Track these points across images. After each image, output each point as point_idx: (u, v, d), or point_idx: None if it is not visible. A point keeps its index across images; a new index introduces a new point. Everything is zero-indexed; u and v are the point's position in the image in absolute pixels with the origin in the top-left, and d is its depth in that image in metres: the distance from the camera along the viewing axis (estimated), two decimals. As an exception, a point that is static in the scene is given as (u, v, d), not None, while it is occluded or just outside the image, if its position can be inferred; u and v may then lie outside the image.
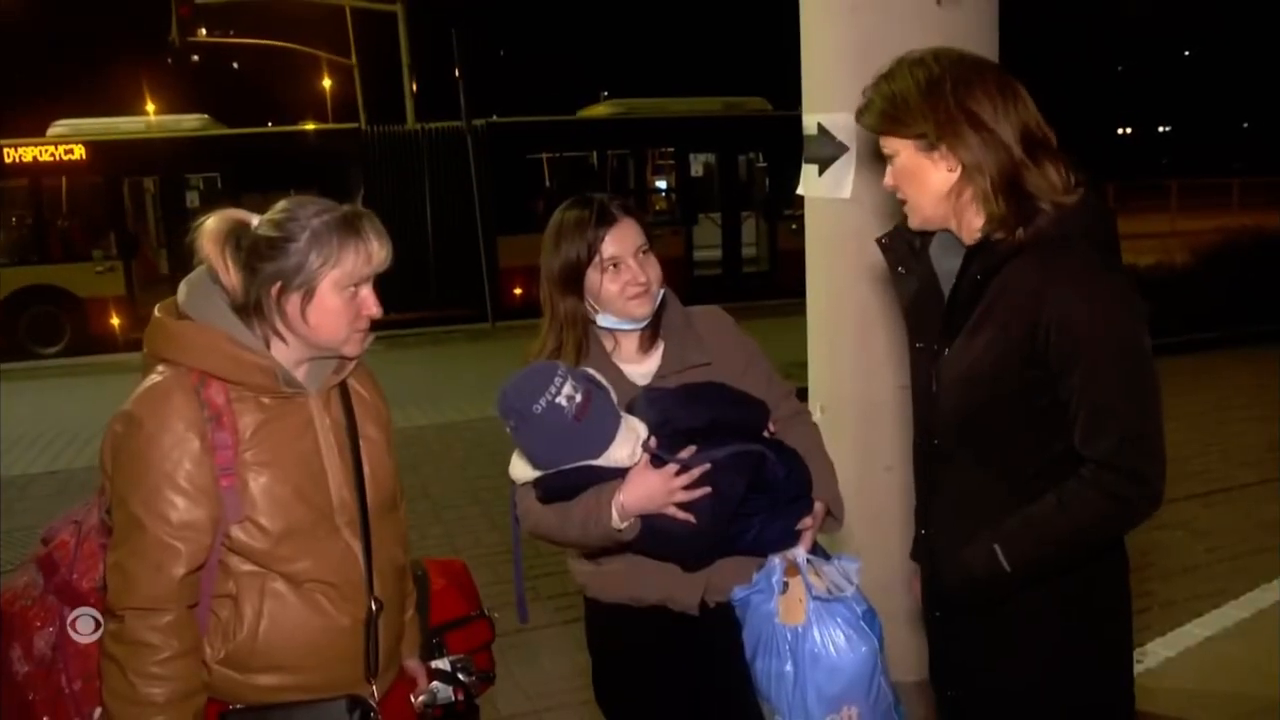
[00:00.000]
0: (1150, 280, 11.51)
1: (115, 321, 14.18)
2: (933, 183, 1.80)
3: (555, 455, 1.92)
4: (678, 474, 1.92)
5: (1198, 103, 43.56)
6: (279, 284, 1.75)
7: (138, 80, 28.32)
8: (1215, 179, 24.61)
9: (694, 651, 2.18)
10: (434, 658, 2.26)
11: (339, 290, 1.78)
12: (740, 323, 2.28)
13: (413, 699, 2.12)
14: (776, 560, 2.05)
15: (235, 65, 39.96)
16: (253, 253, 1.76)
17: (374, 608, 1.90)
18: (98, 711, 1.79)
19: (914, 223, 1.89)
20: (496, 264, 14.75)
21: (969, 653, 1.92)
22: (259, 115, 23.65)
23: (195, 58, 31.22)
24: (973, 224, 1.80)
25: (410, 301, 15.08)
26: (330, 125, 18.69)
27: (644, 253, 2.10)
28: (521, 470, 2.00)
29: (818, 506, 2.10)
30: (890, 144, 1.84)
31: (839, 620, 2.00)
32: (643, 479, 1.92)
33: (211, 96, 27.56)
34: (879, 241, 2.06)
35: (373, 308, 1.83)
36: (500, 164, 15.10)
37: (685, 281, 15.51)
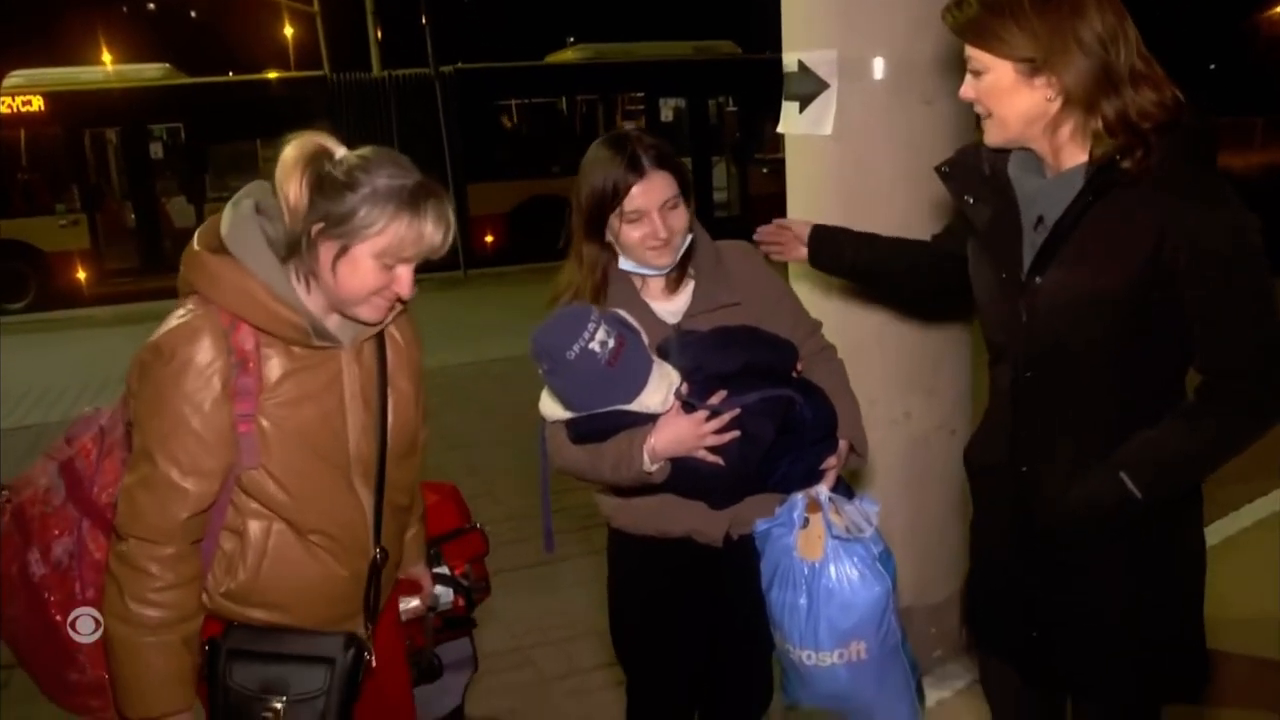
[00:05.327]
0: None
1: (81, 275, 14.04)
2: (1026, 106, 1.72)
3: (588, 400, 1.92)
4: (708, 419, 1.93)
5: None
6: (321, 225, 1.70)
7: (93, 29, 27.67)
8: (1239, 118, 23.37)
9: (714, 580, 2.24)
10: (433, 567, 2.33)
11: (376, 258, 1.71)
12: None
13: (415, 603, 2.18)
14: (799, 496, 2.08)
15: (193, 14, 39.07)
16: (316, 187, 1.70)
17: (379, 558, 1.93)
18: None
19: (995, 139, 1.79)
20: (467, 212, 14.66)
21: (1057, 592, 1.89)
22: (219, 65, 23.19)
23: (151, 5, 30.48)
24: (1075, 154, 1.74)
25: (381, 251, 15.01)
26: (296, 73, 18.36)
27: (671, 207, 2.04)
28: (552, 409, 2.00)
29: (841, 445, 2.12)
30: (983, 59, 1.72)
31: (855, 559, 2.03)
32: (673, 424, 1.94)
33: (170, 46, 26.94)
34: (939, 170, 1.99)
35: (405, 289, 1.76)
36: (469, 111, 14.97)
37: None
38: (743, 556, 2.16)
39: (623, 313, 1.96)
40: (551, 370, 1.89)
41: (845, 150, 2.99)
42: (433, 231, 1.73)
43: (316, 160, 1.71)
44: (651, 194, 2.01)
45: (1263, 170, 13.66)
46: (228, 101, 14.65)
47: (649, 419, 1.94)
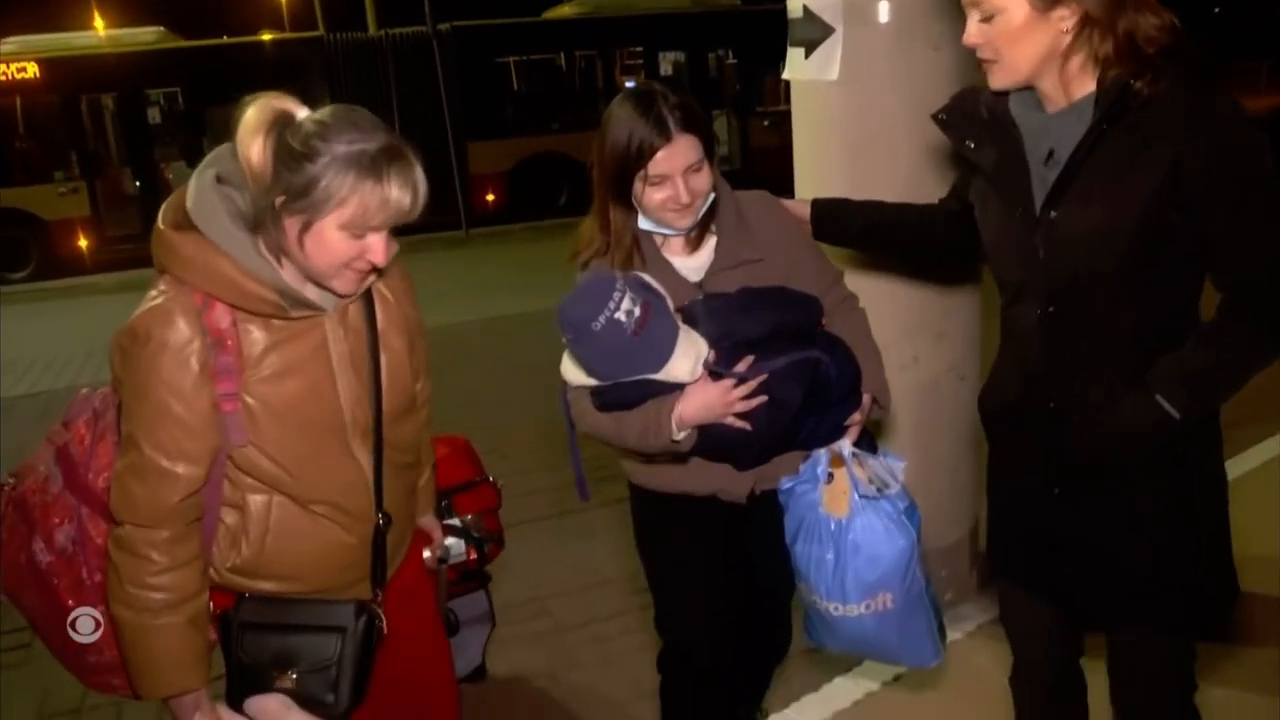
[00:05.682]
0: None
1: (82, 243, 13.99)
2: (1038, 43, 1.70)
3: (614, 369, 1.89)
4: (736, 386, 1.91)
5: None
6: (284, 199, 1.63)
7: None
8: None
9: (737, 534, 2.26)
10: (444, 519, 2.30)
11: (342, 230, 1.64)
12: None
13: (426, 554, 2.15)
14: (822, 452, 2.08)
15: (184, -25, 38.66)
16: (277, 157, 1.62)
17: (381, 522, 1.90)
18: None
19: (1000, 83, 1.78)
20: (468, 171, 14.62)
21: (1092, 526, 1.90)
22: (214, 27, 22.99)
23: (142, -32, 30.15)
24: (1083, 84, 1.74)
25: (382, 213, 14.96)
26: (292, 34, 18.30)
27: (696, 170, 1.98)
28: (575, 375, 1.96)
29: (865, 399, 2.11)
30: (993, 1, 1.70)
31: (881, 514, 2.04)
32: (701, 393, 1.91)
33: (163, 8, 26.70)
34: (936, 118, 1.97)
35: (378, 257, 1.68)
36: (468, 69, 14.85)
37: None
38: (766, 511, 2.17)
39: (647, 277, 1.91)
40: (576, 340, 1.85)
41: (850, 96, 2.97)
42: (399, 197, 1.64)
43: (277, 126, 1.64)
44: (676, 159, 1.94)
45: (1269, 113, 13.55)
46: (224, 64, 14.47)
47: (675, 387, 1.91)
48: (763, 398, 1.92)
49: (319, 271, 1.70)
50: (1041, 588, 2.03)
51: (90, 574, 1.84)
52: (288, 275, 1.72)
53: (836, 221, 2.31)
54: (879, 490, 2.04)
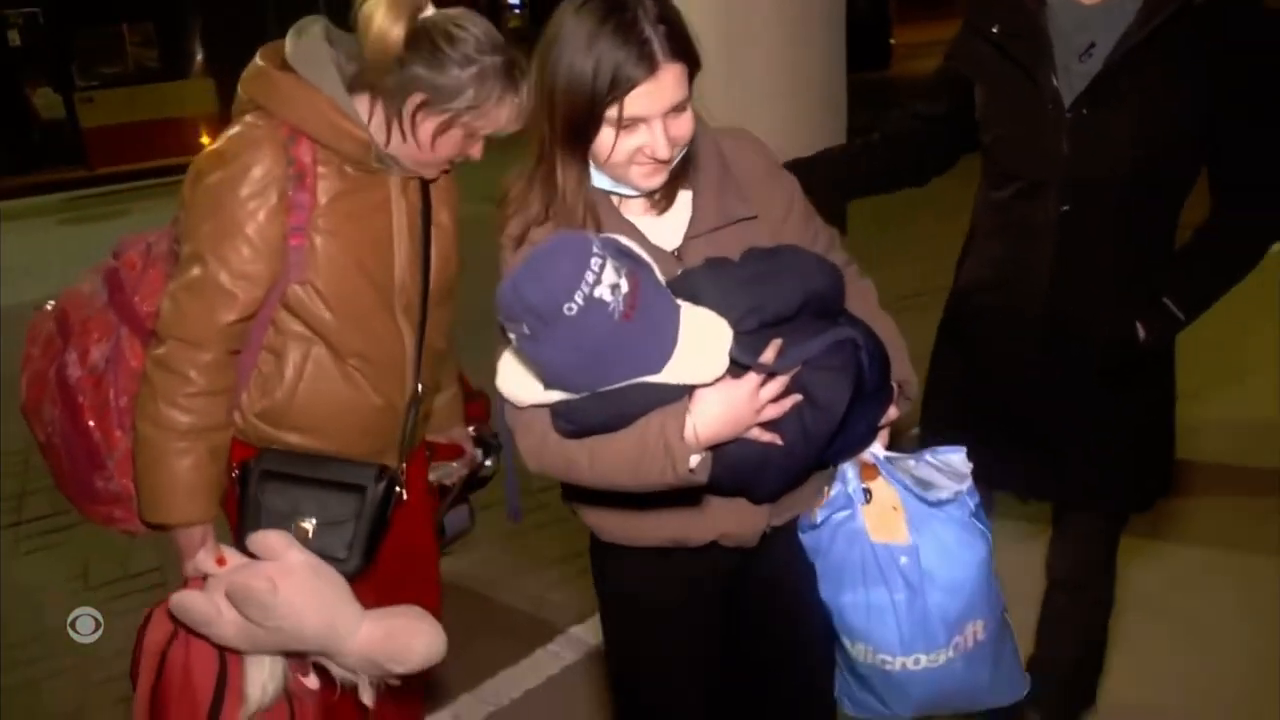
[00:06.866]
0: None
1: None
2: None
3: (595, 372, 1.33)
4: (763, 382, 1.37)
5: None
6: (424, 97, 1.72)
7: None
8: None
9: (741, 582, 1.73)
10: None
11: (470, 134, 1.77)
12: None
13: (454, 466, 2.24)
14: (846, 465, 1.60)
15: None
16: (415, 44, 1.70)
17: (419, 390, 1.97)
18: None
19: None
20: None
21: (1079, 421, 1.91)
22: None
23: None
24: None
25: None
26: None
27: (679, 111, 1.42)
28: (525, 389, 1.40)
29: (893, 390, 1.61)
30: None
31: (952, 524, 1.59)
32: (724, 396, 1.35)
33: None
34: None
35: (477, 154, 1.83)
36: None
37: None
38: (778, 549, 1.68)
39: (622, 238, 1.38)
40: (537, 335, 1.27)
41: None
42: (526, 104, 1.68)
43: (415, 9, 1.72)
44: (660, 96, 1.39)
45: None
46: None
47: (679, 393, 1.36)
48: (797, 397, 1.40)
49: (423, 161, 1.81)
50: (993, 477, 1.91)
51: (117, 396, 1.86)
52: (375, 131, 1.80)
53: (821, 173, 2.08)
54: (927, 490, 1.59)
